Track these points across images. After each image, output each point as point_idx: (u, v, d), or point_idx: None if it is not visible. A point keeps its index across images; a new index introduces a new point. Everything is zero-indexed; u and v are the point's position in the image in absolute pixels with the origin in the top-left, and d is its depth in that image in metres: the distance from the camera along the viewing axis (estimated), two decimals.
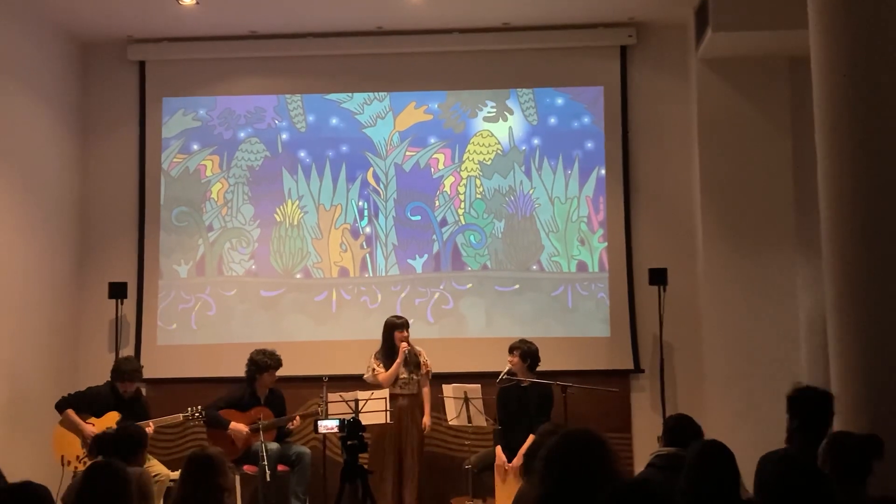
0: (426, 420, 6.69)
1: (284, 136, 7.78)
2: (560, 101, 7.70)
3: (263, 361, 6.58)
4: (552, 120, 7.69)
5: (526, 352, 6.48)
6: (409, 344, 6.65)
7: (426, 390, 6.74)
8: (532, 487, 2.99)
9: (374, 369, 6.68)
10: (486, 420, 6.50)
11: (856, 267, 4.52)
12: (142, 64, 7.84)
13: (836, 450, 3.56)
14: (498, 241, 7.59)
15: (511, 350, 6.52)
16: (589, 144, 7.64)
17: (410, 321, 6.98)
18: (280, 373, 6.69)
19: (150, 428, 6.26)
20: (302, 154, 7.75)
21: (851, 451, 3.56)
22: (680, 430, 3.99)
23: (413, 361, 6.68)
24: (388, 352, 6.70)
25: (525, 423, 6.21)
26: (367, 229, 7.66)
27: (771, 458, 3.42)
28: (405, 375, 6.65)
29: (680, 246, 7.42)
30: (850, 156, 4.58)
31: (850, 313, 4.53)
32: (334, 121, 7.77)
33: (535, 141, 7.67)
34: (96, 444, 4.48)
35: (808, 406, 4.09)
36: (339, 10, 7.25)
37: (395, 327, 6.73)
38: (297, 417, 6.67)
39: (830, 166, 4.67)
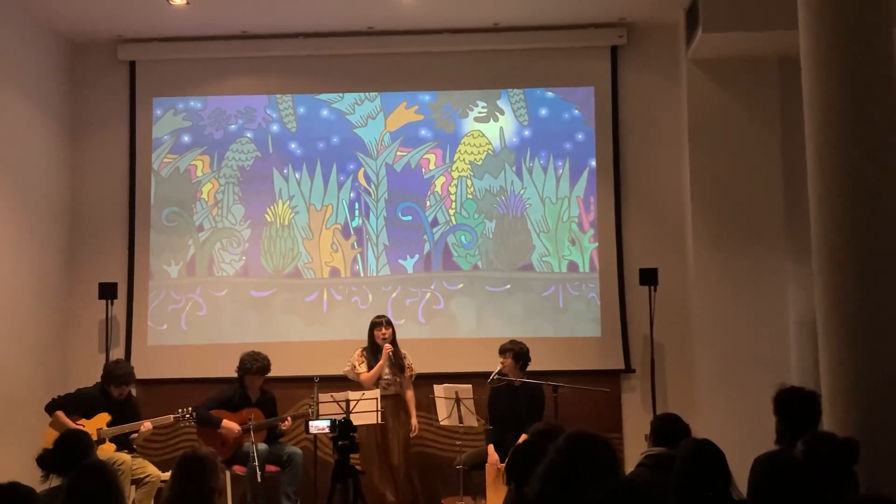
0: (414, 422, 6.70)
1: (275, 136, 7.77)
2: (551, 101, 7.71)
3: (248, 365, 6.57)
4: (543, 120, 7.69)
5: (517, 353, 6.48)
6: (391, 345, 6.65)
7: (410, 393, 6.76)
8: (529, 488, 2.99)
9: (355, 366, 6.67)
10: (478, 420, 6.50)
11: (845, 266, 4.53)
12: (132, 64, 7.81)
13: (812, 452, 3.55)
14: (489, 241, 7.60)
15: (502, 351, 6.52)
16: (579, 144, 7.65)
17: (401, 321, 6.98)
18: (271, 373, 6.68)
19: (147, 426, 6.26)
20: (292, 154, 7.74)
21: (826, 453, 3.55)
22: (667, 429, 4.00)
23: (398, 364, 6.69)
24: (373, 350, 6.71)
25: (516, 424, 6.21)
26: (358, 229, 7.65)
27: (763, 459, 3.43)
28: (388, 377, 6.66)
29: (670, 246, 7.43)
30: (840, 156, 4.59)
31: (840, 312, 4.54)
32: (325, 121, 7.76)
33: (526, 141, 7.68)
34: (40, 465, 4.19)
35: (794, 406, 4.09)
36: (329, 11, 7.25)
37: (373, 326, 6.73)
38: (289, 419, 6.66)
39: (820, 166, 4.69)
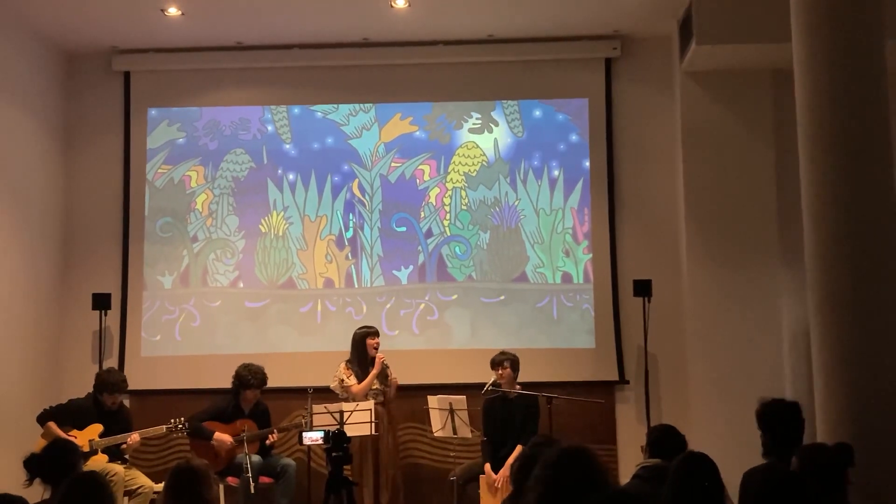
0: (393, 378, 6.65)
1: (270, 147, 7.77)
2: (545, 112, 7.73)
3: (246, 379, 6.55)
4: (537, 131, 7.71)
5: (515, 362, 6.45)
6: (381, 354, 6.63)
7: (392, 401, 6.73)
8: (525, 499, 2.99)
9: (342, 380, 6.60)
10: (472, 431, 6.48)
11: (838, 277, 4.55)
12: (126, 74, 7.82)
13: (808, 464, 3.55)
14: (483, 252, 7.60)
15: (498, 363, 6.43)
16: (574, 156, 7.67)
17: (395, 332, 6.96)
18: None
19: (134, 438, 6.24)
20: (287, 165, 7.74)
21: (824, 463, 3.55)
22: (664, 441, 4.00)
23: (383, 374, 6.66)
24: (359, 361, 6.65)
25: (511, 435, 6.20)
26: (353, 240, 7.65)
27: (754, 472, 3.43)
28: (377, 386, 6.62)
29: (664, 257, 7.44)
30: (833, 168, 4.61)
31: (833, 323, 4.55)
32: (320, 131, 7.77)
33: (521, 152, 7.69)
34: (26, 468, 4.15)
35: (776, 420, 4.10)
36: (325, 22, 7.26)
37: (367, 335, 6.69)
38: (275, 432, 6.61)
39: (813, 177, 4.71)
